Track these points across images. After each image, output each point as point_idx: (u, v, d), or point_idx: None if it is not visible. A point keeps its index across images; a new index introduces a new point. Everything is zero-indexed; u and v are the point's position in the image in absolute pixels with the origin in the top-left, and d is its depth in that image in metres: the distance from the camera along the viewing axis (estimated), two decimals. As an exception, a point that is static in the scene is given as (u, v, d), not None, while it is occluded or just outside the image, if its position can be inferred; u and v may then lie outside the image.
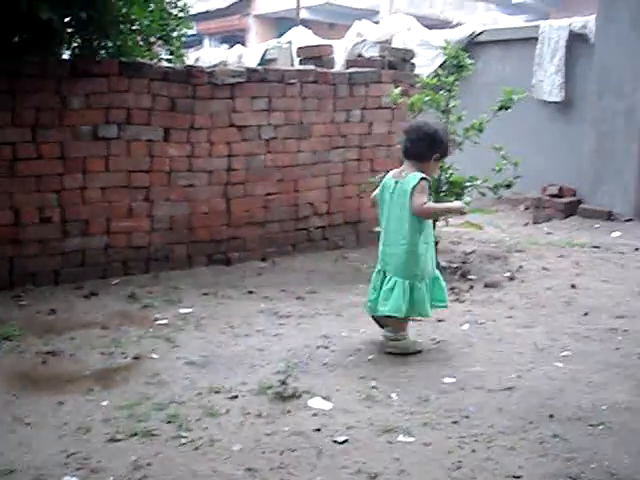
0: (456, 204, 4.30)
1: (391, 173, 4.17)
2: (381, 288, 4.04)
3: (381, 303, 4.01)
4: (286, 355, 3.92)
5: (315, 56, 6.85)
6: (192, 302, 4.96)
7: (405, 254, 3.96)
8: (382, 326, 4.11)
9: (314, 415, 3.22)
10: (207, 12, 28.21)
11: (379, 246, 4.16)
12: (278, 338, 4.24)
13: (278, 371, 3.63)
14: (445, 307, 4.25)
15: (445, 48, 5.72)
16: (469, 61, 5.71)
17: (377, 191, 4.24)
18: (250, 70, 6.15)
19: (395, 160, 6.68)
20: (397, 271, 3.98)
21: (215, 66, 6.51)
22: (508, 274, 5.74)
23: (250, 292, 5.25)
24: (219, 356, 3.95)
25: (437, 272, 4.16)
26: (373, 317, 4.20)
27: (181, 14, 6.50)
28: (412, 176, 3.96)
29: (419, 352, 4.02)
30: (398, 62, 6.96)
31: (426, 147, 4.03)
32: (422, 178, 3.96)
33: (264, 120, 6.12)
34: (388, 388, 3.51)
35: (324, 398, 3.38)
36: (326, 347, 4.07)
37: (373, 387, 3.52)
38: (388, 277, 4.01)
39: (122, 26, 5.81)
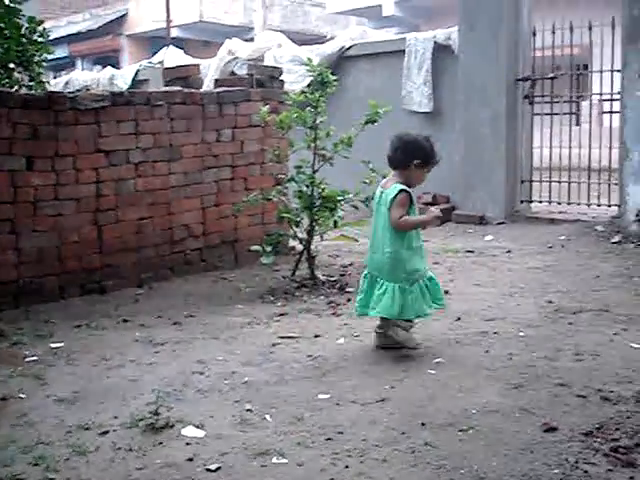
0: (430, 215, 4.26)
1: (382, 182, 4.32)
2: (370, 291, 4.21)
3: (372, 306, 4.19)
4: (160, 384, 3.83)
5: (182, 76, 6.79)
6: (64, 335, 4.81)
7: (390, 260, 4.14)
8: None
9: (187, 444, 3.17)
10: (79, 33, 27.68)
11: (368, 252, 4.34)
12: (152, 367, 4.15)
13: (150, 402, 3.54)
14: (442, 307, 4.39)
15: (309, 65, 5.76)
16: (333, 77, 5.78)
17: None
18: (114, 94, 6.04)
19: (269, 177, 6.72)
20: (386, 276, 4.16)
21: (79, 91, 6.37)
22: (384, 284, 5.82)
23: (125, 320, 5.13)
24: (90, 391, 3.83)
25: (430, 272, 4.30)
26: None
27: (40, 39, 6.33)
28: (393, 187, 4.13)
29: (416, 348, 4.19)
30: (267, 80, 6.99)
31: (403, 154, 4.16)
32: (401, 190, 4.09)
33: (132, 144, 6.02)
34: (263, 410, 3.49)
35: (198, 426, 3.33)
36: (201, 373, 4.02)
37: (248, 410, 3.49)
38: (380, 282, 4.17)
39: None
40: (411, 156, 4.16)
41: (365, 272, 4.32)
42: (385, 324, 4.24)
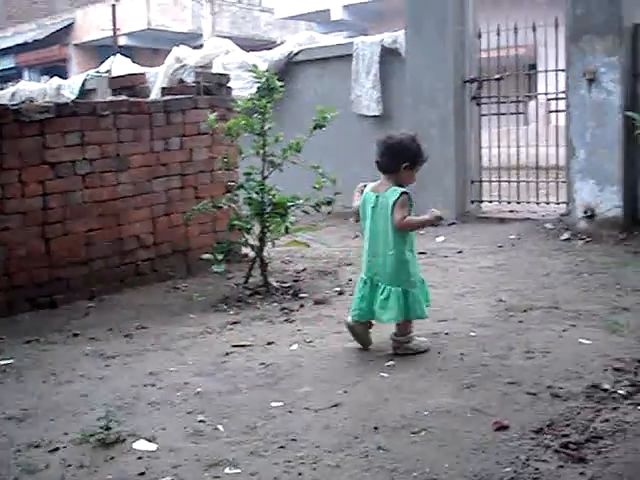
0: (432, 214, 4.26)
1: (369, 187, 4.31)
2: (372, 297, 4.22)
3: (379, 312, 4.20)
4: (111, 398, 3.79)
5: (128, 85, 6.73)
6: (13, 352, 4.71)
7: (395, 263, 4.17)
8: (356, 334, 4.33)
9: (139, 458, 3.12)
10: (25, 44, 27.30)
11: (364, 257, 4.35)
12: (103, 381, 4.09)
13: (101, 417, 3.49)
14: (428, 305, 4.39)
15: (255, 71, 5.74)
16: (279, 83, 5.77)
17: (357, 203, 4.38)
18: (59, 105, 5.96)
19: (219, 185, 6.68)
20: (390, 280, 4.18)
21: (24, 102, 6.27)
22: (338, 289, 5.84)
23: (75, 335, 5.05)
24: (40, 407, 3.76)
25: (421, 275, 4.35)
26: (353, 326, 4.33)
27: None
28: (392, 190, 4.15)
29: (427, 351, 4.23)
30: (214, 87, 6.96)
31: (391, 159, 4.18)
32: (402, 192, 4.14)
33: (78, 155, 5.94)
34: (215, 420, 3.46)
35: (149, 439, 3.29)
36: (153, 385, 3.97)
37: (200, 421, 3.46)
38: (382, 287, 4.19)
39: None
40: (399, 159, 4.18)
41: (363, 277, 4.32)
42: (401, 332, 4.26)
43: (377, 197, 4.22)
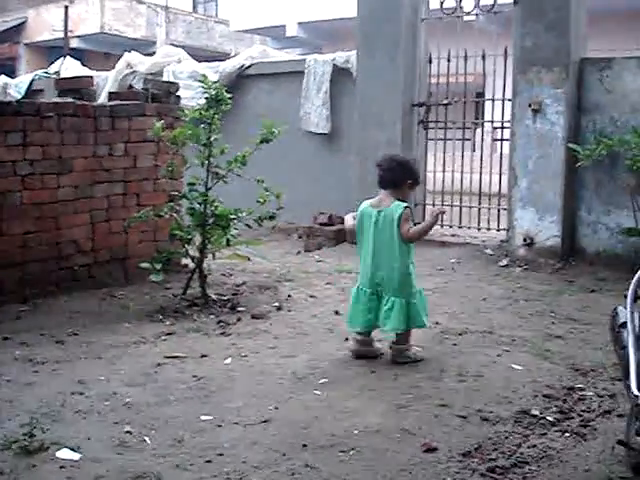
0: (433, 213, 4.54)
1: (368, 202, 4.56)
2: (377, 308, 4.45)
3: (382, 322, 4.43)
4: (37, 405, 3.70)
5: (75, 88, 6.63)
6: (-62, 353, 4.58)
7: (400, 276, 4.41)
8: (362, 343, 4.53)
9: (61, 467, 3.05)
10: (-27, 41, 26.75)
11: (366, 270, 4.51)
12: (30, 387, 3.99)
13: (25, 423, 3.40)
14: (426, 315, 4.61)
15: (203, 82, 5.71)
16: (228, 95, 5.74)
17: (353, 221, 4.63)
18: (2, 103, 5.88)
19: (162, 193, 6.61)
20: (394, 292, 4.41)
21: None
22: (276, 304, 5.81)
23: (5, 338, 4.92)
24: (-38, 412, 3.66)
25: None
26: (361, 334, 4.55)
27: None
28: (396, 205, 4.42)
29: (422, 360, 4.43)
30: (162, 95, 6.90)
31: (400, 174, 4.49)
32: (406, 206, 4.43)
33: (19, 155, 5.81)
34: (143, 431, 3.40)
35: (73, 448, 3.22)
36: (81, 393, 3.89)
37: (127, 432, 3.40)
38: (386, 298, 4.42)
39: None
40: (405, 176, 4.50)
41: (363, 289, 4.51)
42: (401, 341, 4.46)
43: (379, 212, 4.46)
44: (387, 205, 4.45)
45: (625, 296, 2.96)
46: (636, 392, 2.35)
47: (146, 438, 3.33)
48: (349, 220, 4.72)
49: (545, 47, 7.36)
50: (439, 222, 4.70)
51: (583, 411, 3.73)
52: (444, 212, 4.96)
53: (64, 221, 6.12)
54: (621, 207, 7.12)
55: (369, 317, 4.48)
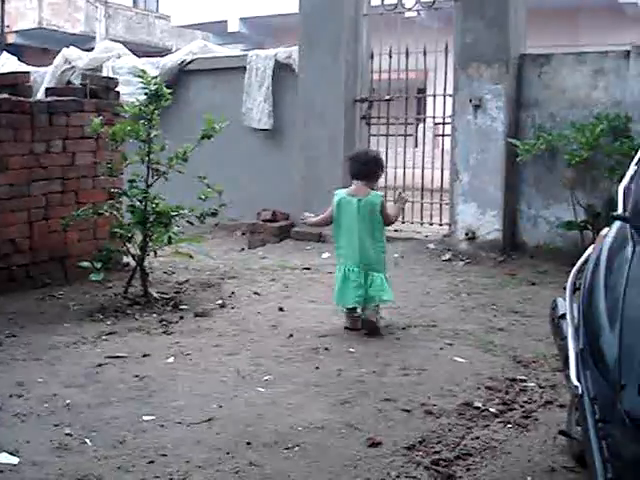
0: (401, 202, 5.46)
1: (344, 192, 5.10)
2: (366, 284, 4.94)
3: (380, 294, 4.95)
4: (-28, 409, 3.60)
5: (10, 84, 6.46)
6: None
7: (382, 254, 5.09)
8: (354, 318, 5.02)
9: (0, 472, 2.97)
10: None
11: (354, 252, 4.97)
12: (-35, 390, 3.89)
13: (-41, 428, 3.32)
14: None
15: (142, 77, 5.62)
16: (168, 90, 5.67)
17: (329, 210, 5.17)
18: None
19: (101, 191, 6.50)
20: (378, 268, 5.01)
21: None
22: (220, 301, 5.76)
23: (-61, 341, 4.79)
24: None
25: None
26: (351, 310, 5.04)
27: None
28: (374, 195, 5.05)
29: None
30: (101, 90, 6.78)
31: (374, 167, 5.13)
32: (382, 195, 5.17)
33: (-48, 153, 5.66)
34: (83, 433, 3.33)
35: (12, 452, 3.13)
36: (20, 396, 3.79)
37: (67, 434, 3.32)
38: (371, 274, 4.96)
39: None
40: (378, 169, 5.17)
41: (351, 268, 4.96)
42: (373, 309, 4.96)
43: (359, 200, 4.98)
44: (364, 194, 5.00)
45: (564, 288, 3.00)
46: (575, 382, 2.37)
47: (87, 440, 3.26)
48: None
49: (485, 43, 7.44)
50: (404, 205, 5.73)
51: (525, 402, 3.78)
52: (407, 199, 5.78)
53: (0, 220, 5.96)
54: (560, 201, 7.24)
55: (359, 292, 4.92)
